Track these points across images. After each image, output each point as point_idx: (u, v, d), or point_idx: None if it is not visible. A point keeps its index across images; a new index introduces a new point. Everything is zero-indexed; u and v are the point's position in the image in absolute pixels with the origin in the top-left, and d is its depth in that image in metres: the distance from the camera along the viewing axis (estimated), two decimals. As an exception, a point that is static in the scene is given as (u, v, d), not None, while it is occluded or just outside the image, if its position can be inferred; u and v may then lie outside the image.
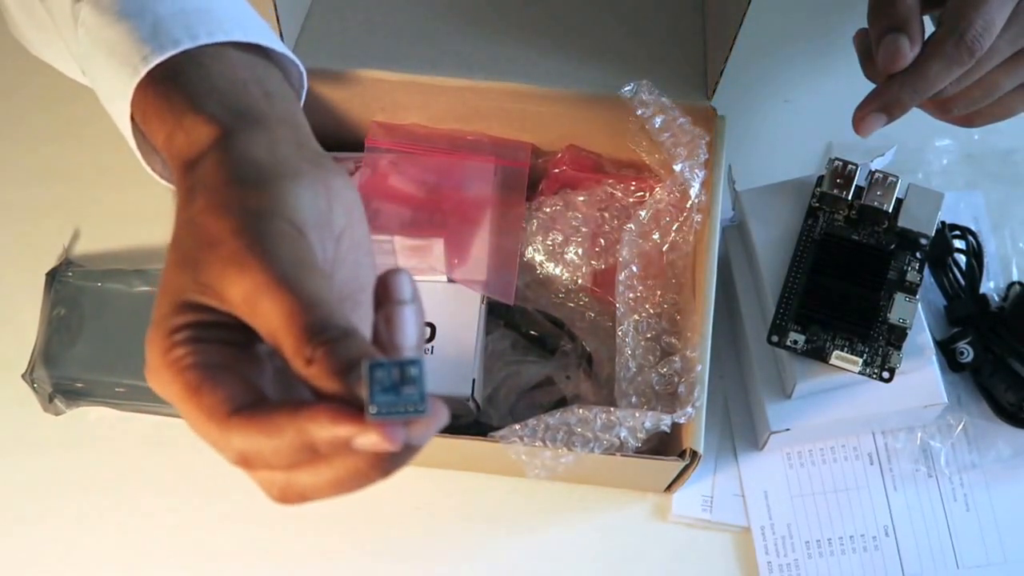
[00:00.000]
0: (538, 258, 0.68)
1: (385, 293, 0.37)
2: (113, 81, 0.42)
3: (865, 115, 0.55)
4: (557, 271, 0.68)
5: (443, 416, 0.34)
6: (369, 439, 0.33)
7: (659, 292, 0.63)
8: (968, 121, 0.58)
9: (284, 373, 0.38)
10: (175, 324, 0.36)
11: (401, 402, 0.32)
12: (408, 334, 0.36)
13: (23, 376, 0.68)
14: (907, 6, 0.53)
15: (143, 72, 0.41)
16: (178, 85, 0.40)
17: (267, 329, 0.35)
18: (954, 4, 0.52)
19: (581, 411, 0.57)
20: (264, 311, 0.34)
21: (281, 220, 0.36)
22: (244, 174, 0.37)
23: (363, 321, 0.38)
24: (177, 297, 0.36)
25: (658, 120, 0.62)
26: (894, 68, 0.53)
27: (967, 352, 0.66)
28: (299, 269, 0.35)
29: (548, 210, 0.68)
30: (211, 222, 0.36)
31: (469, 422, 0.65)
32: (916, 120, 0.58)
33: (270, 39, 0.44)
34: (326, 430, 0.33)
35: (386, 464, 0.34)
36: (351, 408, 0.33)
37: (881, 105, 0.54)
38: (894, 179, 0.61)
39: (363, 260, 0.40)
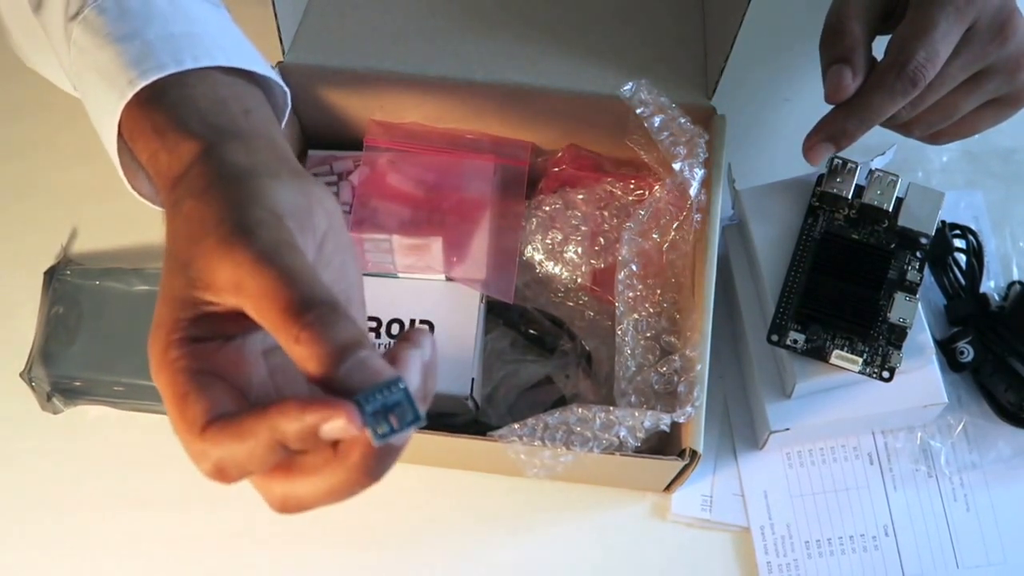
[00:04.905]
0: (537, 257, 0.68)
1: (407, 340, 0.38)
2: (102, 101, 0.44)
3: (813, 144, 0.56)
4: (556, 270, 0.67)
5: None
6: (336, 424, 0.33)
7: (659, 291, 0.63)
8: (934, 139, 0.59)
9: (282, 369, 0.39)
10: (170, 324, 0.37)
11: (398, 419, 0.34)
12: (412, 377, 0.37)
13: (21, 375, 0.68)
14: (853, 37, 0.54)
15: (129, 95, 0.42)
16: (162, 106, 0.42)
17: (254, 307, 0.36)
18: (899, 34, 0.53)
19: (580, 410, 0.57)
20: (248, 289, 0.35)
21: (261, 208, 0.37)
22: (225, 174, 0.39)
23: (355, 316, 0.39)
24: (172, 298, 0.37)
25: (657, 119, 0.62)
26: (837, 99, 0.54)
27: (967, 352, 0.65)
28: (279, 247, 0.36)
29: (547, 209, 0.67)
30: (196, 221, 0.38)
31: (468, 421, 0.65)
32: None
33: (253, 62, 0.46)
34: (294, 420, 0.34)
35: (374, 468, 0.35)
36: (317, 397, 0.34)
37: (828, 135, 0.56)
38: (894, 178, 0.61)
39: (348, 261, 0.41)
